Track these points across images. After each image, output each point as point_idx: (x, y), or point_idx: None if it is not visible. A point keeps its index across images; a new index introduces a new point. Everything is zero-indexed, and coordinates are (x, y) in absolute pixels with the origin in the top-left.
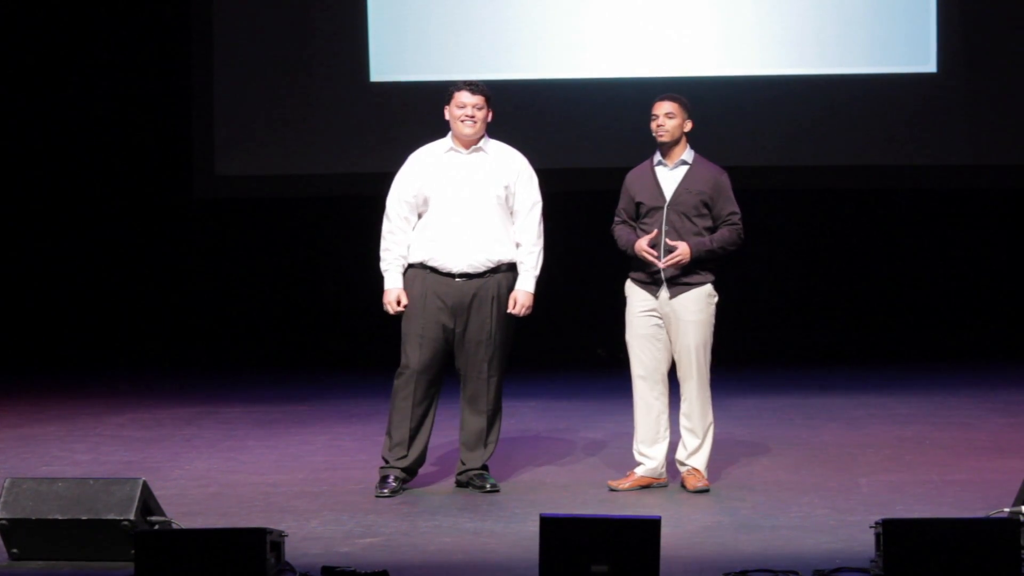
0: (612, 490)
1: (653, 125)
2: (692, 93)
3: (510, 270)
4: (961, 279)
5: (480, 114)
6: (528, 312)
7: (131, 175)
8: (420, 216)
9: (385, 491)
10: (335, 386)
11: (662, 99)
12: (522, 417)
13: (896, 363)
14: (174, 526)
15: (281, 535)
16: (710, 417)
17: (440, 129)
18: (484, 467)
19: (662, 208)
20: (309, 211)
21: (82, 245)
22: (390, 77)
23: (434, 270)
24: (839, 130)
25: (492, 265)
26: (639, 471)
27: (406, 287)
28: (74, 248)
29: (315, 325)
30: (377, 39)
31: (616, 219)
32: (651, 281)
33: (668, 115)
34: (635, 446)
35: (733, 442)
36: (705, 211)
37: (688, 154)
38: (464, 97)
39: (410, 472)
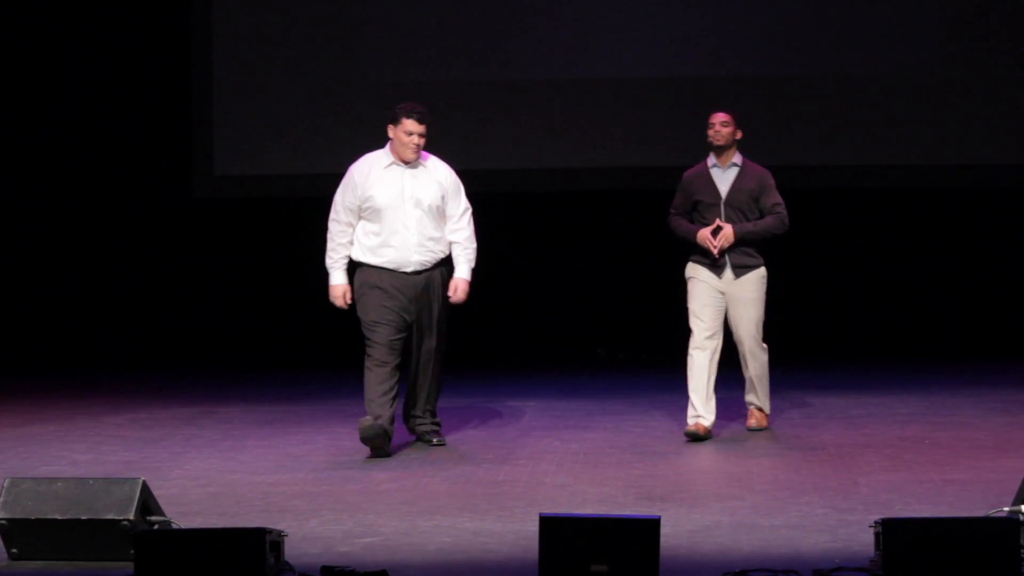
0: (687, 434)
1: (710, 132)
2: (691, 92)
3: (446, 264)
4: (962, 278)
5: (423, 140)
6: (466, 297)
7: (131, 175)
8: (361, 220)
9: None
10: (335, 386)
11: (718, 110)
12: (522, 416)
13: (895, 362)
14: (173, 526)
15: (281, 535)
16: (768, 380)
17: (437, 127)
18: (437, 423)
19: (719, 204)
20: (309, 211)
21: (82, 245)
22: (390, 77)
23: (387, 269)
24: (835, 129)
25: (436, 262)
26: (704, 423)
27: (364, 279)
28: (74, 248)
29: (315, 325)
30: (377, 38)
31: (672, 211)
32: (717, 263)
33: (724, 123)
34: (692, 403)
35: (733, 441)
36: (755, 206)
37: (738, 157)
38: (412, 126)
39: (388, 429)
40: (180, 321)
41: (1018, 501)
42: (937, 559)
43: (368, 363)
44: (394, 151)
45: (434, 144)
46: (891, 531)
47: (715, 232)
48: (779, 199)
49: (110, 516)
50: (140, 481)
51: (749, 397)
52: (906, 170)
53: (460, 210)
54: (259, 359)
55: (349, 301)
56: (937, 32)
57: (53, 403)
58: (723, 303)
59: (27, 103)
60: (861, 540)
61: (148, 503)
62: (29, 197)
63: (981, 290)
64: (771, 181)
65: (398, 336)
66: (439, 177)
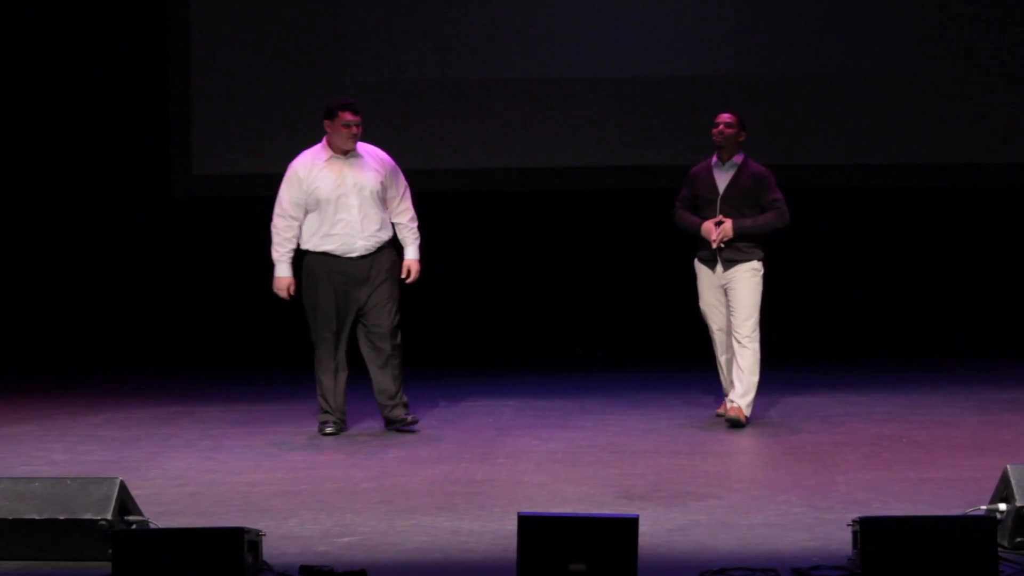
0: (719, 415)
1: (715, 131)
2: (672, 92)
3: (392, 246)
4: (938, 278)
5: (360, 130)
6: (419, 276)
7: (108, 175)
8: (307, 212)
9: (328, 429)
10: (313, 385)
11: (724, 111)
12: (500, 416)
13: (874, 361)
14: (151, 526)
15: (259, 534)
16: (756, 376)
17: (416, 126)
18: (405, 403)
19: (715, 201)
20: None
21: (59, 245)
22: (369, 76)
23: (334, 255)
24: (814, 128)
25: (380, 245)
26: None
27: (311, 268)
28: (51, 248)
29: (293, 324)
30: (356, 38)
31: (677, 205)
32: (711, 258)
33: (728, 125)
34: (723, 381)
35: (711, 439)
36: (751, 203)
37: (739, 157)
38: (348, 117)
39: (344, 418)
40: (158, 320)
41: (995, 500)
42: (915, 558)
43: (318, 354)
44: (332, 144)
45: (412, 143)
46: (869, 530)
47: (718, 225)
48: (778, 195)
49: (88, 516)
50: (118, 481)
51: (731, 395)
52: (883, 169)
53: (401, 191)
54: (237, 358)
55: (292, 293)
56: (916, 30)
57: (30, 402)
58: (724, 299)
59: (2, 103)
60: (839, 538)
61: (126, 503)
62: (5, 197)
63: (958, 289)
64: (770, 179)
65: (344, 323)
66: (377, 162)
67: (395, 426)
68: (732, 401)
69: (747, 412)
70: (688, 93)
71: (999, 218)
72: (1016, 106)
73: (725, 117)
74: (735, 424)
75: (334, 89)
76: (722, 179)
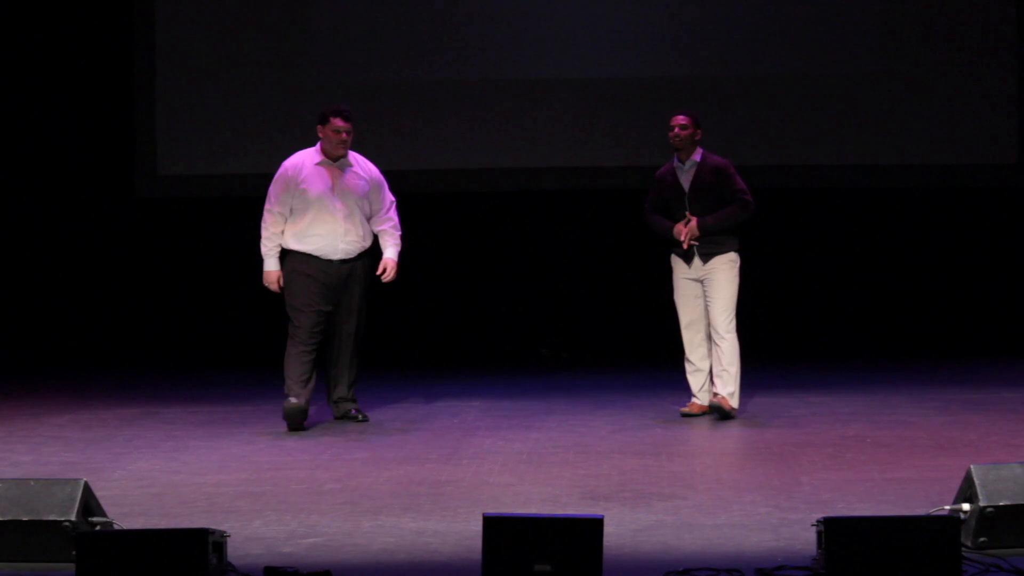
0: (685, 415)
1: (670, 134)
2: (637, 93)
3: (368, 255)
4: (902, 279)
5: (350, 137)
6: (395, 276)
7: (72, 175)
8: (292, 211)
9: (292, 400)
10: (278, 386)
11: (677, 113)
12: (465, 417)
13: (838, 362)
14: (115, 527)
15: (223, 535)
16: (736, 366)
17: (384, 128)
18: (355, 399)
19: (683, 200)
20: (253, 210)
21: (24, 246)
22: (334, 77)
23: (315, 256)
24: (779, 129)
25: (360, 252)
26: (697, 401)
27: (293, 266)
28: (14, 248)
29: (257, 325)
30: (321, 39)
31: (646, 208)
32: (687, 253)
33: (682, 127)
34: (688, 378)
35: (676, 440)
36: (717, 197)
37: (697, 154)
38: (339, 123)
39: (307, 408)
40: (122, 321)
41: (959, 500)
42: (879, 558)
43: (290, 345)
44: (323, 149)
45: (374, 144)
46: (833, 530)
47: (687, 225)
48: (740, 185)
49: (51, 517)
50: (82, 482)
51: (716, 388)
52: (849, 170)
53: (387, 204)
54: (201, 359)
55: (282, 285)
56: (879, 33)
57: None
58: (700, 291)
59: None
60: (803, 539)
61: (90, 504)
62: None
63: (922, 290)
64: (730, 170)
65: (319, 322)
66: (365, 174)
67: (345, 417)
68: (717, 393)
69: (733, 403)
70: (662, 94)
71: (961, 221)
72: (979, 109)
73: (679, 119)
74: (718, 411)
75: (300, 91)
76: (685, 179)
